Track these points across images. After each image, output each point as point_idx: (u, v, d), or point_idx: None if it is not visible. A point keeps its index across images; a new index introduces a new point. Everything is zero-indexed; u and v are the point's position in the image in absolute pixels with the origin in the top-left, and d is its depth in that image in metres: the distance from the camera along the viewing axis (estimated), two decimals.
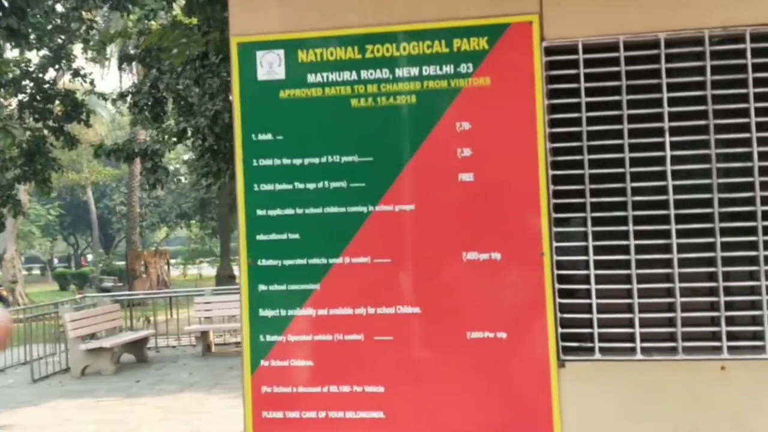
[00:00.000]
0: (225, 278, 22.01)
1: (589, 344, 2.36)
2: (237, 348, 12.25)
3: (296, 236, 2.43)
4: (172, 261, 30.02)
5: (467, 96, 2.35)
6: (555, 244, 2.34)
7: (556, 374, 2.34)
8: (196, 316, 12.45)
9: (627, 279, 2.34)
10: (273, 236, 2.44)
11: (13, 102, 13.81)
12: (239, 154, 2.46)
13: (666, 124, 2.30)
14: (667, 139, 2.31)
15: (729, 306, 2.30)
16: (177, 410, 8.02)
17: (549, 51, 2.35)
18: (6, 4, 11.47)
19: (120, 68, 21.29)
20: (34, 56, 14.37)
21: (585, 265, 2.35)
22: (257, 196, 2.44)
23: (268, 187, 2.44)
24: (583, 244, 2.35)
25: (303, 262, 2.42)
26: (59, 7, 13.51)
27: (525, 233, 2.34)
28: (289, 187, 2.42)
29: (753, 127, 2.27)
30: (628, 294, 2.34)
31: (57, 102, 13.52)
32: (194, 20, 8.99)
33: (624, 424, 2.33)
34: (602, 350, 2.34)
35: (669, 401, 2.32)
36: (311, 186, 2.42)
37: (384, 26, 2.40)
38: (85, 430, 7.41)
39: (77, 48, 14.39)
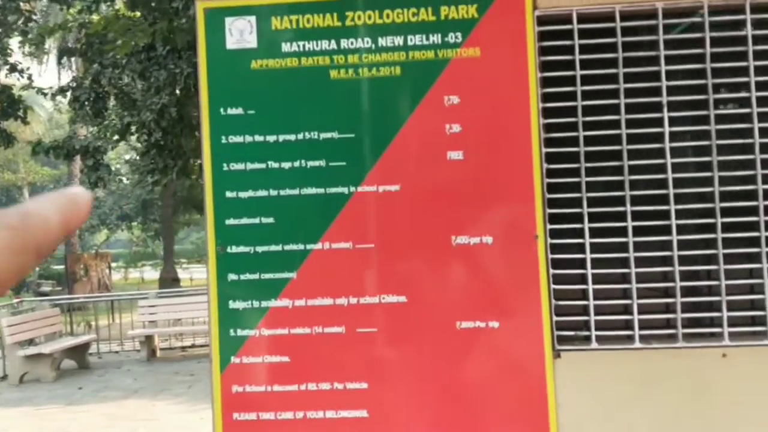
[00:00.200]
0: (169, 281, 21.54)
1: (586, 332, 2.22)
2: (183, 352, 11.90)
3: (270, 220, 2.22)
4: (114, 264, 29.12)
5: (456, 68, 2.18)
6: (549, 226, 2.20)
7: (552, 365, 2.19)
8: (140, 320, 11.99)
9: (625, 263, 2.21)
10: (244, 220, 2.22)
11: None
12: (206, 130, 2.23)
13: (664, 99, 2.18)
14: (666, 114, 2.18)
15: (729, 290, 2.19)
16: (122, 417, 7.67)
17: (542, 20, 2.20)
18: None
19: (59, 63, 20.51)
20: None
21: (580, 248, 2.21)
22: (226, 177, 2.22)
23: (239, 166, 2.22)
24: (578, 226, 2.21)
25: (278, 248, 2.21)
26: None
27: (518, 215, 2.19)
28: (262, 166, 2.21)
29: (753, 102, 2.17)
30: (626, 279, 2.21)
31: None
32: (137, 14, 8.67)
33: (622, 416, 2.20)
34: (599, 339, 2.20)
35: (669, 391, 2.20)
36: (286, 165, 2.21)
37: None
38: None
39: (14, 41, 13.78)
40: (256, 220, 2.22)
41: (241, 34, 2.20)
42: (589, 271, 2.20)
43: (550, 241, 2.20)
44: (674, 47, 2.20)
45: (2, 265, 0.30)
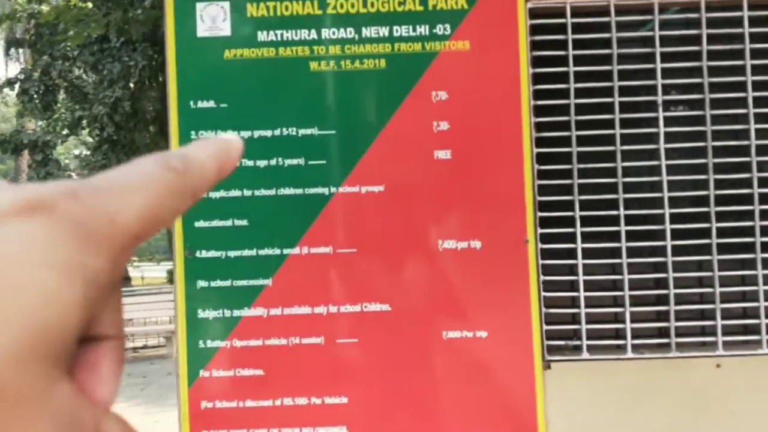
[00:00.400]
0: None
1: (576, 342, 2.12)
2: (135, 353, 11.58)
3: (243, 223, 2.06)
4: None
5: (444, 61, 2.05)
6: (540, 230, 2.09)
7: (541, 377, 2.08)
8: None
9: (618, 269, 2.11)
10: (215, 223, 2.06)
11: None
12: (174, 124, 2.06)
13: (660, 98, 2.09)
14: (661, 114, 2.09)
15: (724, 298, 2.11)
16: None
17: (534, 14, 2.09)
18: None
19: (7, 54, 19.78)
20: None
21: (571, 254, 2.11)
22: None
23: None
24: (570, 230, 2.10)
25: (252, 253, 2.05)
26: None
27: (508, 218, 2.07)
28: None
29: (750, 102, 2.09)
30: (618, 286, 2.11)
31: None
32: (89, 4, 8.34)
33: (614, 430, 2.10)
34: (590, 348, 2.10)
35: (661, 402, 2.11)
36: (262, 163, 2.05)
37: None
38: None
39: None
40: (228, 223, 2.06)
41: (213, 21, 2.03)
42: (581, 278, 2.09)
43: (540, 246, 2.09)
44: (670, 45, 2.11)
45: (163, 207, 0.30)
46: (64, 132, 11.44)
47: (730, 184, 2.12)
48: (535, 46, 2.09)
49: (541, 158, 2.09)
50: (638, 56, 2.11)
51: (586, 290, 2.09)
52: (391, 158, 2.05)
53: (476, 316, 2.07)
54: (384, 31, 2.05)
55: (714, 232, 2.08)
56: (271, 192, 2.05)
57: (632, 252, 2.10)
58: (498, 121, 2.06)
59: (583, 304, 2.09)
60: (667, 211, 2.08)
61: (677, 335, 2.09)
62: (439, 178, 2.05)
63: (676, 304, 2.09)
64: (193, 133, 2.04)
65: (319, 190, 2.05)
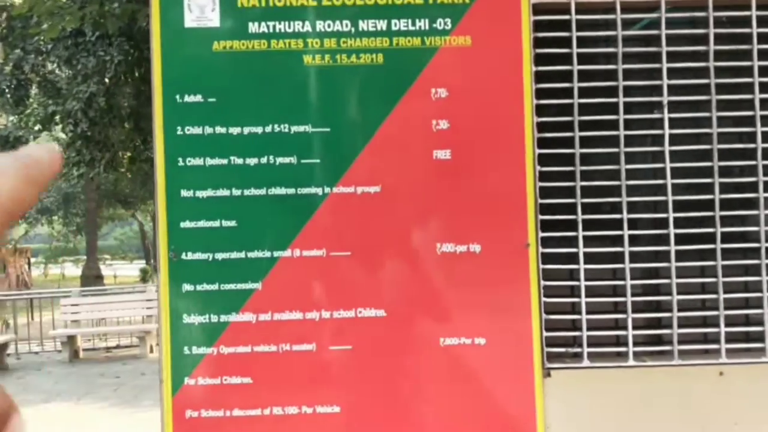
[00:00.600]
0: (91, 278, 20.93)
1: (577, 349, 2.05)
2: (108, 353, 11.39)
3: (232, 223, 1.96)
4: (33, 260, 27.90)
5: (444, 57, 1.97)
6: (541, 234, 2.01)
7: (541, 385, 2.01)
8: (61, 319, 11.38)
9: (620, 274, 2.04)
10: (202, 223, 1.95)
11: None
12: (159, 119, 1.95)
13: (665, 99, 2.02)
14: (666, 115, 2.03)
15: (727, 304, 2.05)
16: (42, 422, 7.21)
17: (537, 9, 2.01)
18: None
19: None
20: None
21: (572, 258, 2.04)
22: (182, 173, 1.94)
23: (197, 161, 1.94)
24: (572, 234, 2.03)
25: (240, 255, 1.95)
26: None
27: (508, 221, 1.99)
28: (224, 162, 1.94)
29: (757, 104, 2.04)
30: (620, 292, 2.04)
31: None
32: None
33: None
34: (591, 356, 2.03)
35: (663, 411, 2.04)
36: (252, 161, 1.95)
37: None
38: None
39: None
40: (216, 223, 1.95)
41: (201, 10, 1.93)
42: (582, 283, 2.02)
43: (541, 250, 2.01)
44: (676, 44, 2.04)
45: (26, 191, 0.36)
46: (37, 128, 11.20)
47: (735, 188, 2.06)
48: (538, 43, 2.02)
49: (543, 159, 2.01)
50: (644, 55, 2.05)
51: (587, 296, 2.03)
52: (387, 157, 1.96)
53: (474, 322, 1.99)
54: (382, 25, 1.96)
55: (719, 236, 2.03)
56: (262, 191, 1.95)
57: (635, 257, 2.04)
58: (499, 121, 1.98)
59: (584, 310, 2.02)
60: (671, 215, 2.02)
61: (680, 342, 2.03)
62: (438, 179, 1.97)
63: (679, 310, 2.04)
64: (179, 128, 1.93)
65: (312, 189, 1.95)
